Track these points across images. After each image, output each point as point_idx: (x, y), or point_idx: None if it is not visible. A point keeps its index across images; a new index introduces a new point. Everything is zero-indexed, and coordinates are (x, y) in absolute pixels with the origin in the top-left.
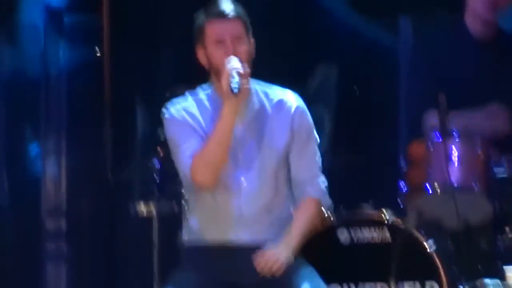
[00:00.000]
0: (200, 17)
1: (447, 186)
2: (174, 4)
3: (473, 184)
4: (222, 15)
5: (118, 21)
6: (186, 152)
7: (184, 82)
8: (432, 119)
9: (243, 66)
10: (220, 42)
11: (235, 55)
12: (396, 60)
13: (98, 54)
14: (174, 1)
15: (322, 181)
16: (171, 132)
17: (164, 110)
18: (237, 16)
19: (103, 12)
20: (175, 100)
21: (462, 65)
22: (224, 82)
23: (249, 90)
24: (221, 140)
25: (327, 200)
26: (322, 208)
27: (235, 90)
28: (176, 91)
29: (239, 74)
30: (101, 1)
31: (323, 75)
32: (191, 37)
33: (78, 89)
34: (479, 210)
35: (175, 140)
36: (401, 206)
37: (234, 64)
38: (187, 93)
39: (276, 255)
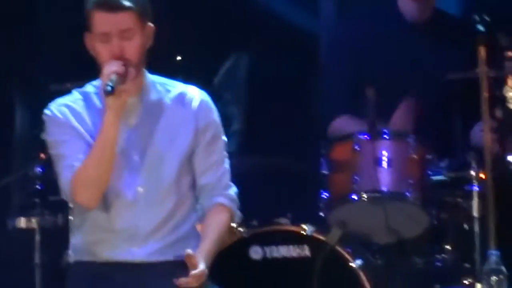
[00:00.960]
0: (89, 2)
1: (375, 193)
2: None
3: (406, 191)
4: (108, 6)
5: None
6: (65, 162)
7: (72, 78)
8: (339, 123)
9: (126, 65)
10: (105, 37)
11: (122, 53)
12: (316, 47)
13: None
14: None
15: (232, 188)
16: (51, 134)
17: (46, 109)
18: (128, 7)
19: None
20: (60, 98)
21: (392, 51)
22: (102, 86)
23: (129, 89)
24: (103, 153)
25: (237, 211)
26: (232, 219)
27: (108, 89)
28: (62, 88)
29: (117, 74)
30: None
31: (233, 65)
32: (80, 23)
33: None
34: (413, 221)
35: (55, 144)
36: (323, 218)
37: (113, 67)
38: (74, 90)
39: (202, 270)
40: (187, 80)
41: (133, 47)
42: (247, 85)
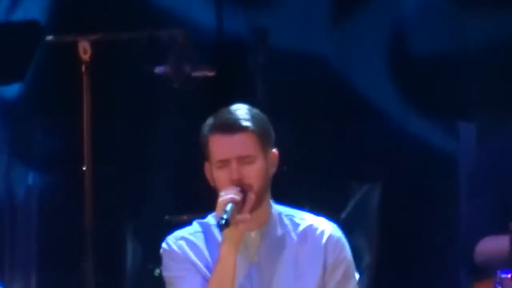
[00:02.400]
0: (205, 127)
1: None
2: (168, 118)
3: None
4: (226, 128)
5: (99, 138)
6: None
7: (189, 209)
8: (489, 243)
9: (245, 191)
10: (223, 162)
11: (241, 179)
12: (454, 170)
13: None
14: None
15: None
16: (168, 269)
17: (163, 242)
18: (247, 128)
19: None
20: (179, 230)
21: None
22: (216, 217)
23: (248, 221)
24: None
25: None
26: None
27: (222, 223)
28: (177, 220)
29: (234, 203)
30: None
31: (364, 196)
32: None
33: (50, 217)
34: None
35: (172, 280)
36: None
37: (229, 194)
38: (195, 222)
39: None
40: (314, 211)
41: (254, 172)
42: (379, 216)
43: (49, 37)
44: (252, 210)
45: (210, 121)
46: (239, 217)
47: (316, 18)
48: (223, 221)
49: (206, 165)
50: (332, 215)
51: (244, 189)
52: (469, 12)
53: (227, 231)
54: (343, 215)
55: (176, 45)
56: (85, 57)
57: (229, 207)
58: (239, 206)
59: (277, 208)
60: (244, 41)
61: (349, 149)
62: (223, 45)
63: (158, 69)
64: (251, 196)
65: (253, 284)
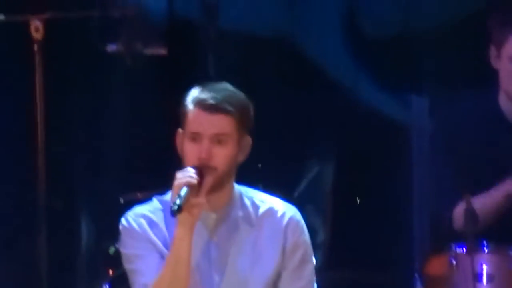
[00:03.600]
0: (189, 97)
1: None
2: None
3: None
4: (208, 106)
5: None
6: (140, 280)
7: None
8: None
9: (203, 173)
10: (196, 135)
11: (208, 159)
12: (409, 148)
13: None
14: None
15: None
16: (126, 246)
17: (122, 218)
18: (228, 111)
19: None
20: (138, 206)
21: (493, 153)
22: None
23: (202, 205)
24: (174, 273)
25: None
26: None
27: (174, 209)
28: (132, 199)
29: (189, 187)
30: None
31: (316, 176)
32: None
33: (3, 196)
34: None
35: (130, 258)
36: None
37: (186, 177)
38: (154, 198)
39: None
40: (267, 190)
41: (223, 154)
42: (332, 195)
43: (0, 17)
44: (212, 191)
45: (195, 92)
46: (193, 200)
47: None
48: (176, 207)
49: (179, 132)
50: (285, 194)
51: (202, 172)
52: None
53: (181, 215)
54: (296, 193)
55: (127, 22)
56: (37, 35)
57: (183, 191)
58: (195, 189)
59: (238, 188)
60: (195, 19)
61: (302, 125)
62: (175, 23)
63: (110, 47)
64: (208, 180)
65: (211, 264)
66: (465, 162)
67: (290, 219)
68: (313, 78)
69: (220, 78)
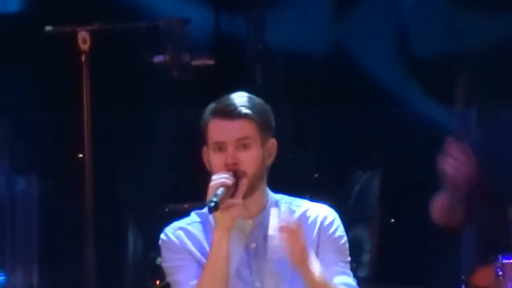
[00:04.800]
0: (206, 111)
1: None
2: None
3: None
4: (226, 113)
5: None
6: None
7: (190, 198)
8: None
9: (237, 176)
10: (219, 146)
11: (236, 164)
12: None
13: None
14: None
15: None
16: (167, 260)
17: (162, 234)
18: (247, 115)
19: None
20: (177, 221)
21: None
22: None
23: (239, 207)
24: (214, 274)
25: None
26: None
27: (211, 206)
28: (179, 209)
29: (225, 188)
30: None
31: (366, 184)
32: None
33: (51, 208)
34: None
35: (171, 271)
36: None
37: (221, 179)
38: (193, 212)
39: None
40: (319, 200)
41: (249, 158)
42: (379, 201)
43: (49, 28)
44: (245, 196)
45: (211, 106)
46: (230, 201)
47: (316, 14)
48: (212, 204)
49: (204, 149)
50: (333, 204)
51: (237, 175)
52: (467, 13)
53: (218, 216)
54: (346, 204)
55: (174, 34)
56: (84, 47)
57: (219, 190)
58: (231, 191)
59: (274, 196)
60: (242, 31)
61: (350, 136)
62: (222, 35)
63: (157, 59)
64: (244, 181)
65: (251, 271)
66: (506, 174)
67: (325, 217)
68: (363, 92)
69: (267, 90)
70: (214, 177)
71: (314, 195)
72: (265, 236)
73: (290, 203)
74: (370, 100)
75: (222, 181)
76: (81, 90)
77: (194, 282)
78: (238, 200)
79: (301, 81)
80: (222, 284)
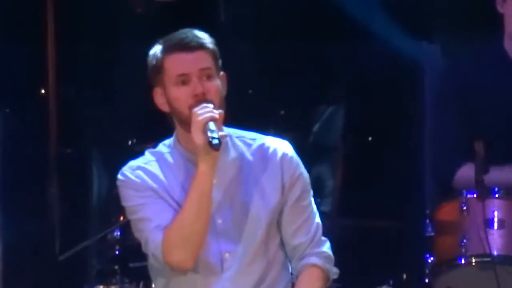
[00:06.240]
0: (156, 51)
1: (485, 257)
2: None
3: None
4: (184, 44)
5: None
6: (152, 224)
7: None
8: (465, 172)
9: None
10: (183, 79)
11: (204, 95)
12: (421, 90)
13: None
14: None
15: (325, 244)
16: (128, 199)
17: (119, 174)
18: (204, 44)
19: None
20: (132, 161)
21: (501, 98)
22: (198, 135)
23: (226, 139)
24: (199, 207)
25: (333, 268)
26: (328, 278)
27: (217, 144)
28: (144, 148)
29: (215, 122)
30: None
31: (329, 117)
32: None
33: (15, 143)
34: None
35: (135, 209)
36: (428, 284)
37: (208, 112)
38: (146, 152)
39: None
40: (283, 132)
41: (214, 88)
42: (343, 138)
43: None
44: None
45: (161, 44)
46: (221, 134)
47: None
48: (217, 141)
49: (156, 91)
50: (297, 139)
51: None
52: None
53: (204, 151)
54: (309, 137)
55: None
56: None
57: (212, 125)
58: (219, 124)
59: (226, 130)
60: None
61: (313, 69)
62: None
63: None
64: (222, 113)
65: (214, 209)
66: (474, 106)
67: (284, 153)
68: (329, 26)
69: (231, 23)
70: (198, 111)
71: (278, 131)
72: (226, 170)
73: (243, 136)
74: (335, 34)
75: (211, 115)
76: (45, 23)
77: (166, 215)
78: (224, 132)
79: (264, 15)
80: (207, 215)
